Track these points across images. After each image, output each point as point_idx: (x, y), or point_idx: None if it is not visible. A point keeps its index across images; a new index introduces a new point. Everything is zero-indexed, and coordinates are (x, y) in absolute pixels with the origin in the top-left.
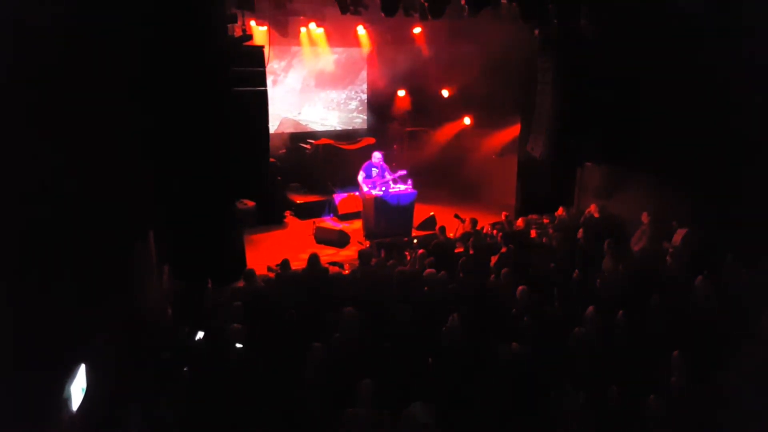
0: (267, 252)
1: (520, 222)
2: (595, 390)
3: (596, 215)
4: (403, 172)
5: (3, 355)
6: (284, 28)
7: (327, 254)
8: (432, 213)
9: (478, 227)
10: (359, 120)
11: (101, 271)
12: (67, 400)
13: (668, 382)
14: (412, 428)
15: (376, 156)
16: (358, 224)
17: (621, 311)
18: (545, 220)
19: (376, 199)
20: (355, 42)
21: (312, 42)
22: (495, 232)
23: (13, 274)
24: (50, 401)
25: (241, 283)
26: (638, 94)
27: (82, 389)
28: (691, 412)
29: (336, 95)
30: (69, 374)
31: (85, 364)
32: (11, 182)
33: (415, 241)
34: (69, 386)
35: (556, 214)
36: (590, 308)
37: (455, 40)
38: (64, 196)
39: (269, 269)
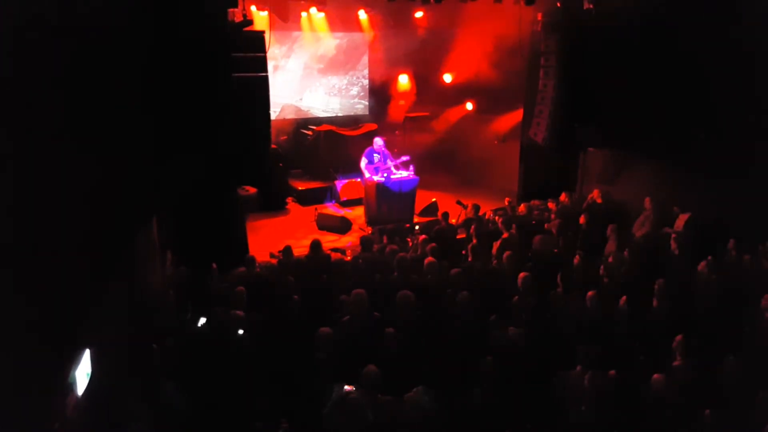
0: (269, 238)
1: (522, 208)
2: (598, 374)
3: (599, 201)
4: (405, 158)
5: (8, 340)
6: (285, 12)
7: (329, 240)
8: (434, 199)
9: (480, 213)
10: (361, 106)
11: (105, 256)
12: (71, 385)
13: (671, 366)
14: (414, 413)
15: (378, 142)
16: (360, 210)
17: (624, 297)
18: (551, 205)
19: (378, 185)
20: (357, 27)
21: (313, 27)
22: (497, 218)
23: (17, 259)
24: (55, 386)
25: (242, 270)
26: (641, 78)
27: (87, 374)
28: (693, 396)
29: (337, 81)
30: (74, 359)
31: (89, 348)
32: (16, 168)
33: (416, 227)
34: (74, 371)
35: (560, 199)
36: (590, 293)
37: (457, 24)
38: (68, 183)
39: (271, 255)
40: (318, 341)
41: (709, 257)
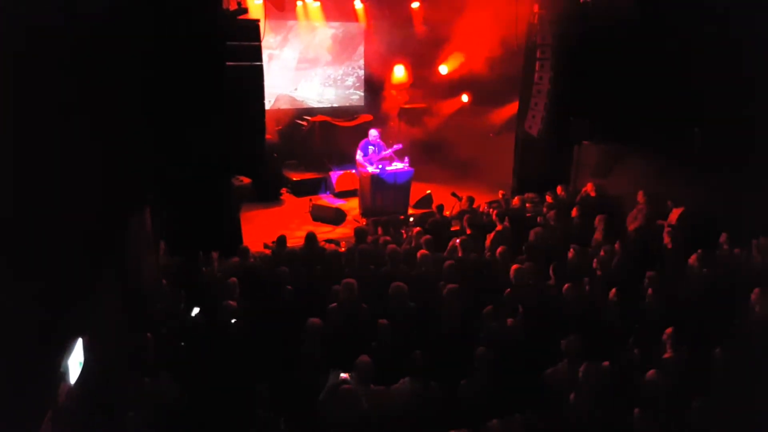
0: (263, 229)
1: (516, 200)
2: (590, 366)
3: (592, 194)
4: (398, 146)
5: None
6: (280, 1)
7: (323, 231)
8: (429, 191)
9: (474, 205)
10: (356, 97)
11: (98, 245)
12: (64, 374)
13: (662, 359)
14: (401, 403)
15: (373, 134)
16: (354, 202)
17: (614, 289)
18: (549, 199)
19: (373, 176)
20: (353, 16)
21: (308, 16)
22: (491, 210)
23: (9, 248)
24: (47, 375)
25: (235, 260)
26: (637, 72)
27: (80, 363)
28: (684, 389)
29: (333, 71)
30: (66, 348)
31: (82, 337)
32: (9, 159)
33: (411, 219)
34: (66, 360)
35: (555, 192)
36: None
37: (454, 16)
38: (60, 171)
39: (265, 246)
40: (307, 332)
41: (699, 250)
